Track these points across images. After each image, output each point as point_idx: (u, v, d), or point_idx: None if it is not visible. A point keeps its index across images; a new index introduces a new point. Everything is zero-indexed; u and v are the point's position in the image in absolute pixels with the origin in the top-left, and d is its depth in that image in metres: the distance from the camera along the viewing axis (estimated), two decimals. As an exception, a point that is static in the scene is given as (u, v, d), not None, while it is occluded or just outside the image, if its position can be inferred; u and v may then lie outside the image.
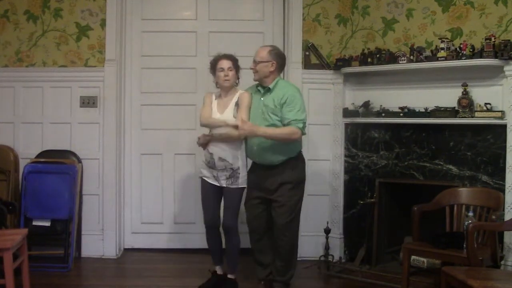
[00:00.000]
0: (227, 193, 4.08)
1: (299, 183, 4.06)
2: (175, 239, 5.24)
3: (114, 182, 5.03)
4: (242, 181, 4.06)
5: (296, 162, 4.05)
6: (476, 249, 3.47)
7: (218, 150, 4.03)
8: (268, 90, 4.00)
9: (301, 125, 3.89)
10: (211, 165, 4.06)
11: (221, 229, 4.17)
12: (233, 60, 4.11)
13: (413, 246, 3.89)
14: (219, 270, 4.22)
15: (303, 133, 3.96)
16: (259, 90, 4.07)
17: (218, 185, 4.07)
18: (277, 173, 3.99)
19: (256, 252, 4.21)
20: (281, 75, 4.29)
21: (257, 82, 4.10)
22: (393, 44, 4.69)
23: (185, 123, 5.15)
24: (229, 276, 4.20)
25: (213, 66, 4.11)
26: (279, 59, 4.04)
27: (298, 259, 4.91)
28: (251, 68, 4.06)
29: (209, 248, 4.21)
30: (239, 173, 4.04)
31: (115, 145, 5.04)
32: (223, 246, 4.23)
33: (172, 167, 5.22)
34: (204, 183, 4.12)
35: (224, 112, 4.06)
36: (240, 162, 4.06)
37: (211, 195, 4.10)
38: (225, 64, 4.05)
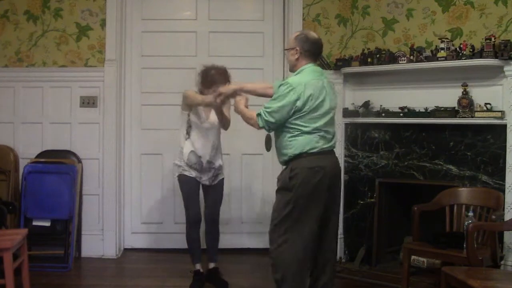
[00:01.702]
0: (213, 187, 4.23)
1: (281, 189, 3.43)
2: (175, 239, 5.22)
3: (114, 182, 5.03)
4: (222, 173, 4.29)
5: (288, 166, 3.44)
6: (476, 249, 3.47)
7: (206, 154, 4.14)
8: None
9: (259, 111, 3.36)
10: (197, 167, 4.13)
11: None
12: (227, 80, 4.04)
13: (413, 246, 3.89)
14: (200, 267, 4.26)
15: (260, 125, 3.38)
16: None
17: (214, 183, 4.22)
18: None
19: None
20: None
21: None
22: (393, 44, 4.69)
23: (185, 123, 5.15)
24: (214, 265, 4.30)
25: (205, 80, 4.07)
26: (306, 45, 3.45)
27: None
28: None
29: (192, 246, 4.23)
30: (221, 170, 4.27)
31: (115, 145, 5.04)
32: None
33: (172, 167, 5.21)
34: (188, 179, 4.15)
35: (210, 115, 4.18)
36: (221, 160, 4.28)
37: (196, 191, 4.20)
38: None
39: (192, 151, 4.13)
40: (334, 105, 3.48)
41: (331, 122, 3.45)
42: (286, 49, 3.57)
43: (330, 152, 3.44)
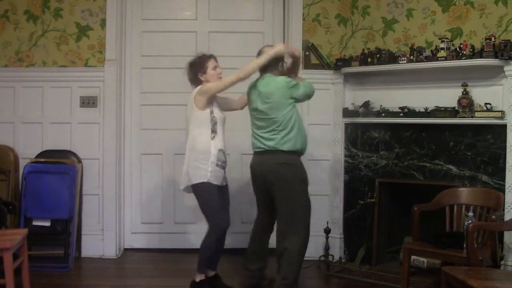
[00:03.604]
0: (226, 191, 4.10)
1: None
2: (175, 239, 5.24)
3: (114, 182, 5.03)
4: None
5: None
6: (476, 249, 3.47)
7: (224, 146, 4.02)
8: None
9: None
10: (224, 165, 4.00)
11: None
12: (213, 56, 4.12)
13: (413, 246, 3.89)
14: (211, 273, 4.17)
15: None
16: None
17: (227, 184, 4.07)
18: None
19: None
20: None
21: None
22: (393, 44, 4.69)
23: (185, 123, 5.13)
24: (215, 272, 4.17)
25: (202, 65, 4.04)
26: None
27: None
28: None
29: (212, 254, 4.04)
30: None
31: (115, 145, 5.04)
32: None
33: (172, 167, 5.22)
34: (214, 189, 3.94)
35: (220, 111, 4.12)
36: None
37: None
38: (215, 62, 4.07)
39: (220, 150, 3.95)
40: (259, 108, 3.89)
41: (259, 125, 3.91)
42: None
43: (260, 153, 3.92)
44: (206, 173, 3.90)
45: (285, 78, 3.91)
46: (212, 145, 3.93)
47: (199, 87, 4.03)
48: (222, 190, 4.05)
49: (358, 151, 4.87)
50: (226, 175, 4.10)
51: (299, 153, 3.92)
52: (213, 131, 3.94)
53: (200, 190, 3.94)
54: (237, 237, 5.17)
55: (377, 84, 4.78)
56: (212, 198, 3.94)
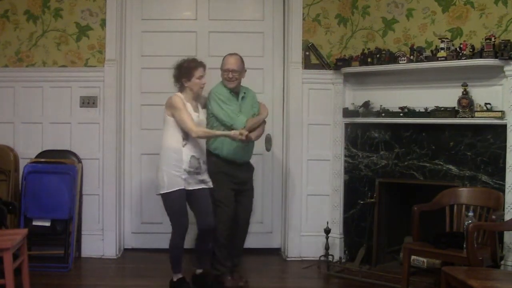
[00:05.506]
0: (205, 193, 4.07)
1: None
2: (175, 239, 5.23)
3: (114, 182, 5.03)
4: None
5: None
6: (476, 249, 3.48)
7: (203, 154, 4.08)
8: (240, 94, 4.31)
9: None
10: (198, 170, 4.00)
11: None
12: (202, 64, 4.09)
13: (413, 246, 3.89)
14: (198, 271, 4.28)
15: None
16: (235, 95, 4.25)
17: (203, 187, 4.04)
18: (248, 167, 4.38)
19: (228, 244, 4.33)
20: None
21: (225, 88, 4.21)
22: (393, 44, 4.69)
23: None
24: (201, 271, 4.28)
25: (190, 72, 4.01)
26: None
27: (298, 259, 5.02)
28: (236, 78, 4.18)
29: (181, 254, 4.17)
30: (207, 173, 4.10)
31: (115, 145, 5.04)
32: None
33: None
34: (182, 192, 3.96)
35: (199, 113, 4.10)
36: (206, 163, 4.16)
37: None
38: (203, 72, 4.04)
39: (192, 156, 3.97)
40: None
41: None
42: (243, 71, 4.24)
43: None
44: (181, 180, 3.94)
45: (218, 87, 4.23)
46: (183, 153, 3.95)
47: (170, 98, 4.04)
48: (199, 193, 4.03)
49: (358, 151, 4.87)
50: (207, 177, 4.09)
51: (220, 156, 4.18)
52: (184, 138, 3.96)
53: (171, 197, 3.97)
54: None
55: (377, 84, 4.78)
56: (177, 206, 3.99)
